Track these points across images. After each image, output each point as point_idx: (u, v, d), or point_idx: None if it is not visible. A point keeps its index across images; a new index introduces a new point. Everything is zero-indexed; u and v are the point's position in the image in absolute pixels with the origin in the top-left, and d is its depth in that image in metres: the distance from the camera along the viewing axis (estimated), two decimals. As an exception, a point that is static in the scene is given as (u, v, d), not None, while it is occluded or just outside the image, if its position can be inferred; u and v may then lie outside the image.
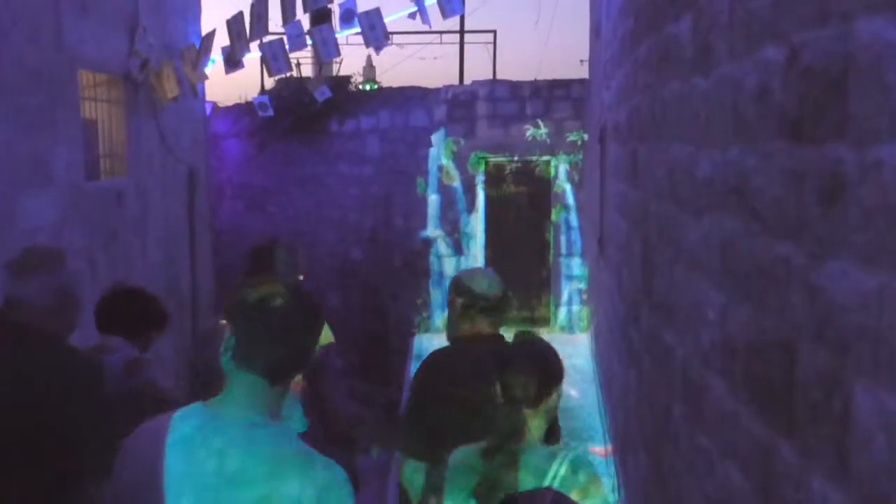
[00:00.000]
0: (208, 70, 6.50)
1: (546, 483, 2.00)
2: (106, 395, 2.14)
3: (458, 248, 10.46)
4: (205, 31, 6.83)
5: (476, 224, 10.45)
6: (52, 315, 2.23)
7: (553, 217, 10.34)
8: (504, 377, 2.10)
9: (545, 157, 10.22)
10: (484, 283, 2.72)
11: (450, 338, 2.83)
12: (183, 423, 1.55)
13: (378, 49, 6.01)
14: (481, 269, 2.75)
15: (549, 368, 2.20)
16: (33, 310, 2.17)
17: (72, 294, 2.31)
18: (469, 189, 10.38)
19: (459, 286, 2.75)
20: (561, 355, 2.46)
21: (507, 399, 2.09)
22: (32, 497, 2.01)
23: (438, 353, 2.85)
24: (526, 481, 2.02)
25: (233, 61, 6.08)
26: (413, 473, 2.64)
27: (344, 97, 11.01)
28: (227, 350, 1.54)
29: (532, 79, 10.45)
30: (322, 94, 8.46)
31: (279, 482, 1.47)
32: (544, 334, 2.63)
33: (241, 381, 1.53)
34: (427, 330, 10.34)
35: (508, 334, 2.47)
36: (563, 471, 2.04)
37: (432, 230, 10.52)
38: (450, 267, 10.43)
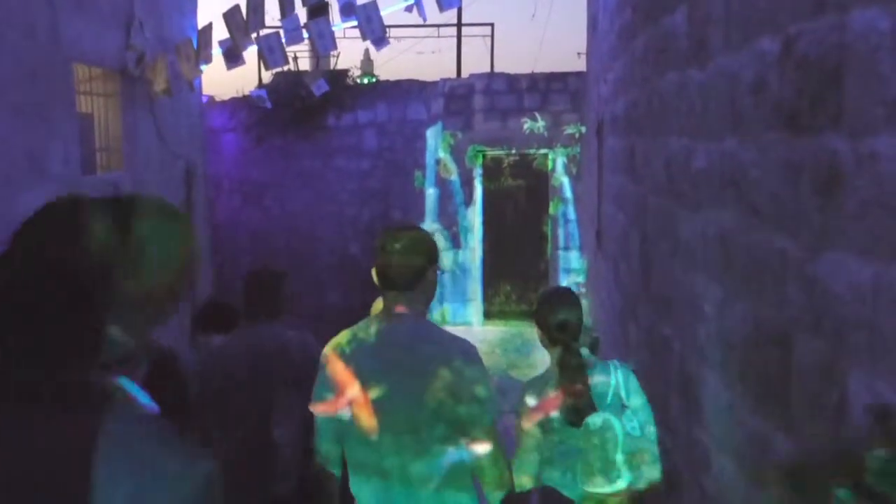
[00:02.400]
0: (204, 66, 6.46)
1: (612, 384, 2.42)
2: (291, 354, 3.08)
3: (455, 242, 10.45)
4: (201, 24, 6.79)
5: (474, 217, 10.44)
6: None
7: (551, 210, 10.33)
8: (559, 317, 2.45)
9: (543, 150, 10.21)
10: None
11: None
12: (369, 327, 2.24)
13: (376, 44, 5.97)
14: None
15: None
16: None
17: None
18: (467, 182, 10.36)
19: None
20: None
21: (560, 338, 2.43)
22: (259, 413, 2.99)
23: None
24: (598, 387, 2.40)
25: (233, 56, 6.04)
26: None
27: (341, 91, 10.97)
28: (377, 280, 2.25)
29: (529, 72, 10.40)
30: (319, 87, 8.41)
31: (439, 353, 2.12)
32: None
33: (389, 296, 2.22)
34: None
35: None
36: (620, 373, 2.46)
37: (430, 224, 10.50)
38: (448, 260, 10.42)
